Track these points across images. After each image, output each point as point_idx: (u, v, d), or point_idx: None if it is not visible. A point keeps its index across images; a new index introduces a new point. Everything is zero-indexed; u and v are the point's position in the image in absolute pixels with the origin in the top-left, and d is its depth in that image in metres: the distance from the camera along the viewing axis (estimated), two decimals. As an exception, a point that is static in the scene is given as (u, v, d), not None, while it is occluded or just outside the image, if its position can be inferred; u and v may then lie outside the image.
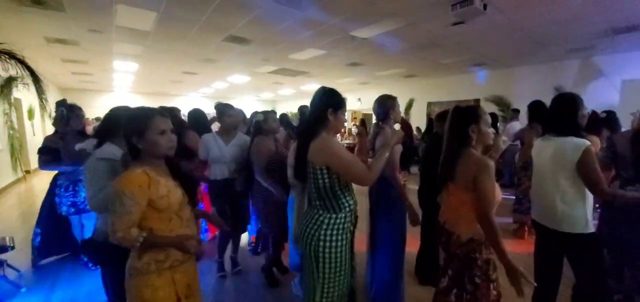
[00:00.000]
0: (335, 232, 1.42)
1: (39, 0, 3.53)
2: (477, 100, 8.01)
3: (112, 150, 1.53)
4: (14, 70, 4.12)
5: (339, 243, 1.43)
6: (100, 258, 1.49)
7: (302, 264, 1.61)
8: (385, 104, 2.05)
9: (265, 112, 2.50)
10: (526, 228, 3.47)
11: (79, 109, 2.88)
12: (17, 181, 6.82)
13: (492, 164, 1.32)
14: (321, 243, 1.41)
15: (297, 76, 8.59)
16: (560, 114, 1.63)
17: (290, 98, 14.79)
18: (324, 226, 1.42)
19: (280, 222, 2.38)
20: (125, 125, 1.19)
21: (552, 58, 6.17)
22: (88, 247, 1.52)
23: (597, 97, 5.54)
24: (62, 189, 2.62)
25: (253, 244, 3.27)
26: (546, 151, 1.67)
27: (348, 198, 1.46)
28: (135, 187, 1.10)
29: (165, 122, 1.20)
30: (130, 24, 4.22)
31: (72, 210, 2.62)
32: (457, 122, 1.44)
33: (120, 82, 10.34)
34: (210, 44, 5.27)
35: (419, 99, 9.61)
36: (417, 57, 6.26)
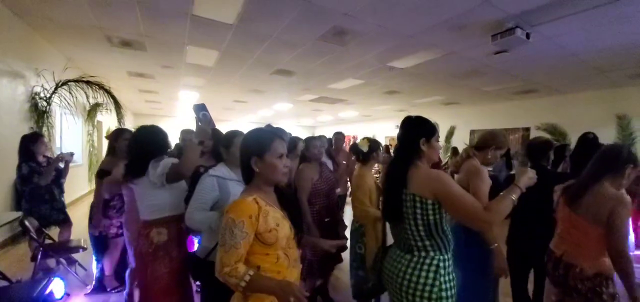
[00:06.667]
0: (452, 276, 1.26)
1: (127, 42, 4.29)
2: (527, 129, 7.57)
3: (224, 170, 1.59)
4: (100, 98, 5.03)
5: (455, 290, 1.26)
6: (200, 274, 1.51)
7: None
8: (497, 139, 1.94)
9: (307, 139, 2.57)
10: None
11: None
12: (91, 192, 7.89)
13: (628, 199, 1.35)
14: (444, 293, 1.20)
15: (335, 104, 8.94)
16: None
17: (329, 124, 15.28)
18: (442, 270, 1.22)
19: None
20: (246, 146, 1.14)
21: (613, 84, 5.69)
22: (191, 262, 1.57)
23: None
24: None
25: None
26: None
27: (451, 234, 1.30)
28: (246, 217, 1.01)
29: (283, 147, 1.15)
30: (196, 61, 4.91)
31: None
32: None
33: (182, 109, 11.64)
34: (259, 76, 5.84)
35: (461, 127, 9.32)
36: (458, 85, 6.21)
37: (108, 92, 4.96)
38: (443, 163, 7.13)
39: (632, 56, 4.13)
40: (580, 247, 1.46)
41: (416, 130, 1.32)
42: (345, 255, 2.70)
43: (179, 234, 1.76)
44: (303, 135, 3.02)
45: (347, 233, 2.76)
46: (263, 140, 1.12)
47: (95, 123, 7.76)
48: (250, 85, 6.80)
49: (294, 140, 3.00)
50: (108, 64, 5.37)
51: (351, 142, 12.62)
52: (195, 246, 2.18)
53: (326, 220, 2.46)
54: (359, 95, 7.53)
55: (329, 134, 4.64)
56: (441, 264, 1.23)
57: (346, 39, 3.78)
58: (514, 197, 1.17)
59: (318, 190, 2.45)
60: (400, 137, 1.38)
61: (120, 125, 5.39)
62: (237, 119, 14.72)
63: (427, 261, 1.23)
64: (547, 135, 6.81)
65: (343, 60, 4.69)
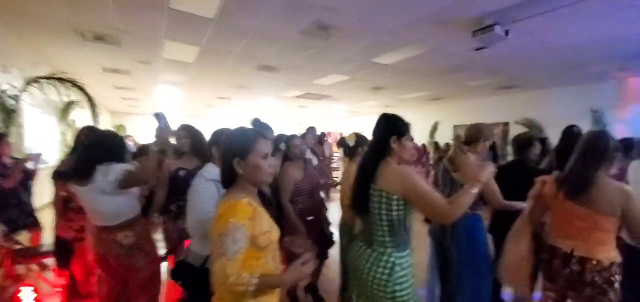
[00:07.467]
0: (407, 271, 1.28)
1: (100, 37, 4.09)
2: (506, 124, 7.78)
3: (217, 172, 1.45)
4: (74, 95, 4.79)
5: (411, 282, 1.29)
6: (194, 285, 1.38)
7: None
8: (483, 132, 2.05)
9: (287, 138, 2.52)
10: None
11: None
12: (68, 194, 7.56)
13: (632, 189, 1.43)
14: (398, 287, 1.24)
15: (321, 100, 8.89)
16: None
17: (315, 120, 15.25)
18: (397, 267, 1.26)
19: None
20: (227, 147, 1.08)
21: (587, 79, 5.93)
22: (182, 271, 1.42)
23: (638, 121, 5.21)
24: None
25: None
26: None
27: (412, 230, 1.33)
28: (246, 220, 0.95)
29: (268, 146, 1.10)
30: (175, 57, 4.74)
31: None
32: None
33: (161, 105, 11.30)
34: (243, 72, 5.72)
35: (444, 122, 9.49)
36: (442, 81, 6.29)
37: (81, 89, 4.72)
38: (430, 159, 7.26)
39: (605, 52, 4.29)
40: (592, 239, 1.45)
41: (388, 128, 1.36)
42: (333, 251, 2.69)
43: (146, 230, 1.77)
44: (290, 132, 2.95)
45: (333, 229, 2.76)
46: (246, 141, 1.06)
47: (69, 122, 7.44)
48: (234, 81, 6.65)
49: (278, 139, 2.95)
50: (81, 59, 5.12)
51: (339, 138, 12.62)
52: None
53: (309, 218, 2.42)
54: (344, 91, 7.51)
55: (317, 130, 4.63)
56: (397, 262, 1.27)
57: (329, 33, 3.73)
58: (475, 191, 1.24)
59: (301, 189, 2.41)
60: (374, 133, 1.40)
61: (95, 123, 5.16)
62: (222, 115, 14.45)
63: (384, 257, 1.28)
64: (525, 129, 7.04)
65: (327, 55, 4.64)
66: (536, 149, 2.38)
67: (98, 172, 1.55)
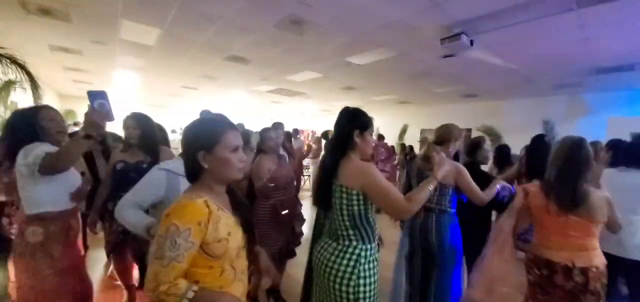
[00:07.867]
0: (372, 265, 1.29)
1: (46, 10, 3.65)
2: (469, 130, 8.21)
3: (179, 164, 1.30)
4: (13, 74, 4.24)
5: (375, 278, 1.30)
6: None
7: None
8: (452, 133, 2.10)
9: (261, 131, 2.48)
10: None
11: None
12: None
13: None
14: (361, 281, 1.25)
15: (294, 96, 8.77)
16: None
17: (289, 117, 15.07)
18: (362, 260, 1.26)
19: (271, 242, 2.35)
20: (192, 139, 0.96)
21: (540, 93, 6.41)
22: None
23: (584, 133, 5.70)
24: None
25: None
26: (623, 182, 1.79)
27: (375, 224, 1.34)
28: (193, 224, 0.84)
29: (238, 138, 0.98)
30: (134, 38, 4.37)
31: None
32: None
33: (118, 91, 10.40)
34: (210, 62, 5.44)
35: (412, 125, 9.81)
36: (411, 85, 6.46)
37: (22, 67, 4.18)
38: (395, 161, 7.44)
39: (557, 68, 4.65)
40: (586, 246, 1.46)
41: (351, 122, 1.34)
42: (300, 250, 2.62)
43: (63, 231, 1.53)
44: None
45: (305, 228, 2.69)
46: (213, 131, 0.95)
47: (9, 104, 6.63)
48: (201, 71, 6.31)
49: (247, 134, 2.84)
50: (24, 35, 4.56)
51: (310, 136, 12.55)
52: None
53: (284, 212, 2.37)
54: (318, 89, 7.46)
55: (288, 127, 4.56)
56: (362, 254, 1.28)
57: (303, 28, 3.65)
58: (431, 187, 1.30)
59: (275, 182, 2.34)
60: (336, 127, 1.38)
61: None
62: (189, 107, 13.72)
63: (350, 249, 1.28)
64: (485, 136, 7.46)
65: (301, 51, 4.55)
66: (484, 151, 2.55)
67: (20, 153, 1.39)
